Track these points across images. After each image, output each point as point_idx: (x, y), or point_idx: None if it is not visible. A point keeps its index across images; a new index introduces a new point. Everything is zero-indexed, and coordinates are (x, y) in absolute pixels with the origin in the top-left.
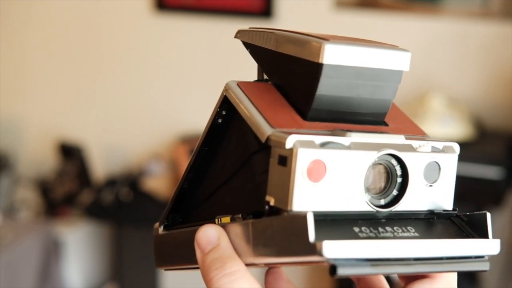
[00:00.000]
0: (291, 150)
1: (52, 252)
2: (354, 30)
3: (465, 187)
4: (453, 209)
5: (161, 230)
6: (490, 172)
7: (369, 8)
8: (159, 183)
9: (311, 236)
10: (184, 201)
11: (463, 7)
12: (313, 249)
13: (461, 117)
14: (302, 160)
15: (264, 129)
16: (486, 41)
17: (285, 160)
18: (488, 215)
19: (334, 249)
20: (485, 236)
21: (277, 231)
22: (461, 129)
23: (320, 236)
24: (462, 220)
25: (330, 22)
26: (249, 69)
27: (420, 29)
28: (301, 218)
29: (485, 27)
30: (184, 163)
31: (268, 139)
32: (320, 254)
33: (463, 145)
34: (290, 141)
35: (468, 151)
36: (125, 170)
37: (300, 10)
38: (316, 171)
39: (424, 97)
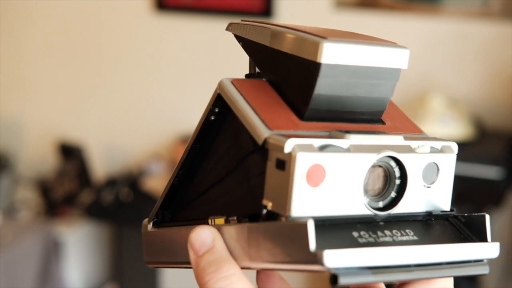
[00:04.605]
0: (289, 154)
1: (52, 252)
2: (354, 30)
3: (465, 187)
4: (451, 210)
5: (150, 227)
6: (490, 172)
7: (369, 8)
8: (159, 183)
9: (312, 245)
10: (174, 198)
11: (463, 7)
12: (314, 258)
13: (461, 117)
14: (301, 165)
15: (261, 131)
16: (486, 41)
17: (284, 164)
18: (487, 217)
19: (335, 258)
20: (484, 239)
21: (275, 237)
22: (461, 129)
23: (320, 243)
24: (460, 221)
25: (330, 22)
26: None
27: (420, 29)
28: (301, 225)
29: (485, 27)
30: None
31: (265, 141)
32: (321, 264)
33: (463, 145)
34: (289, 145)
35: (468, 151)
36: (125, 170)
37: (300, 10)
38: (315, 176)
39: (424, 97)
